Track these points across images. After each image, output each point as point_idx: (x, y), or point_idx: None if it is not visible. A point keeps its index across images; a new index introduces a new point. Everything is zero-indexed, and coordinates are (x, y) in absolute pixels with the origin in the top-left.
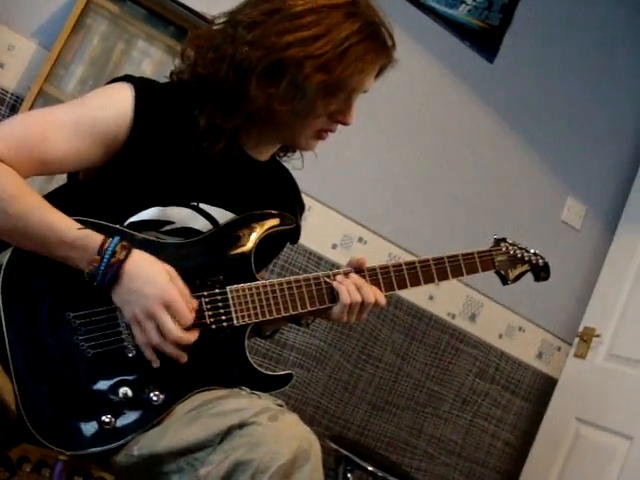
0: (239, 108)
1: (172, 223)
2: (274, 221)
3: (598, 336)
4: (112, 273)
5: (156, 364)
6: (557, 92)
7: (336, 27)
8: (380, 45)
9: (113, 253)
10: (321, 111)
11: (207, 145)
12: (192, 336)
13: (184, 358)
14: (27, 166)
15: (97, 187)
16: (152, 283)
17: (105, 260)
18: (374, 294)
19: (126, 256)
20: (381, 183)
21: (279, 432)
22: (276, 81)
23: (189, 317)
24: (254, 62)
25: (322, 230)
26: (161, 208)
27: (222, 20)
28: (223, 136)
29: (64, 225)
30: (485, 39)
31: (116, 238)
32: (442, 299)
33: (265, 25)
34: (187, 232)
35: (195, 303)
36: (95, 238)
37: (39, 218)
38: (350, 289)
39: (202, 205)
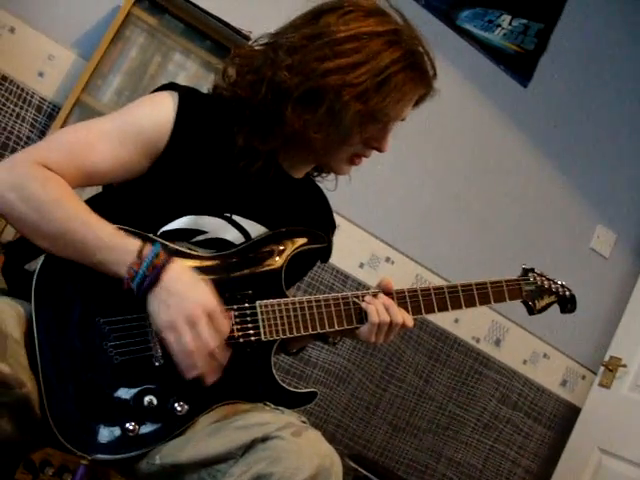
0: (275, 132)
1: (204, 233)
2: (307, 239)
3: (624, 366)
4: (153, 275)
5: (189, 375)
6: (589, 119)
7: (376, 55)
8: (420, 75)
9: (156, 255)
10: (356, 139)
11: (244, 165)
12: (226, 354)
13: (212, 378)
14: (74, 175)
15: (131, 195)
16: (196, 290)
17: (147, 262)
18: (402, 315)
19: (168, 260)
20: (410, 204)
21: (301, 448)
22: (313, 108)
23: (228, 330)
24: (292, 87)
25: (350, 249)
26: (194, 217)
27: (264, 41)
28: (260, 157)
29: (104, 228)
30: (520, 63)
31: (157, 244)
32: (467, 322)
33: (305, 50)
34: (219, 243)
35: (231, 313)
36: (135, 242)
37: (81, 221)
38: (379, 309)
39: (235, 217)
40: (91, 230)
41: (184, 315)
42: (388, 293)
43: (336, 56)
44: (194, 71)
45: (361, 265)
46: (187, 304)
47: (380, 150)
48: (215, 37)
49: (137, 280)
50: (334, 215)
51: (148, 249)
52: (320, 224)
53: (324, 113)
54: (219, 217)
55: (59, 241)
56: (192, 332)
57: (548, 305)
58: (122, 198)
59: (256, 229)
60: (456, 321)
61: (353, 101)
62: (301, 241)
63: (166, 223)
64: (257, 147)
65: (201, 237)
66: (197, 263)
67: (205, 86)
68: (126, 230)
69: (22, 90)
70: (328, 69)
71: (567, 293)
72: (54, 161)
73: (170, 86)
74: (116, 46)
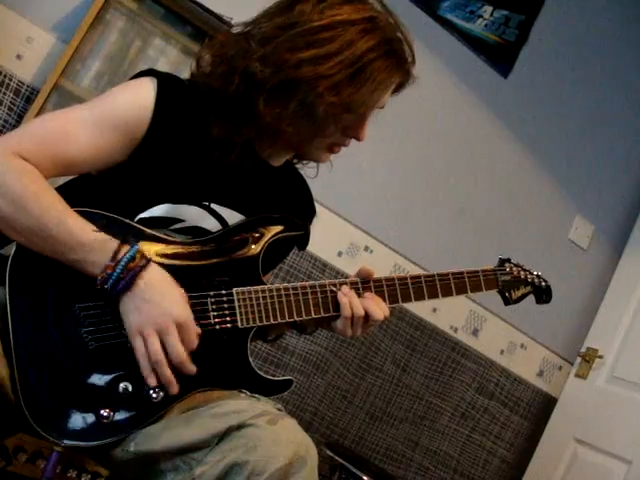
0: (249, 123)
1: (182, 221)
2: (284, 226)
3: (600, 357)
4: (129, 278)
5: (153, 382)
6: (570, 110)
7: (350, 45)
8: (396, 62)
9: (132, 258)
10: (331, 130)
11: (220, 155)
12: (192, 367)
13: (176, 389)
14: (50, 165)
15: (108, 182)
16: (169, 299)
17: (122, 265)
18: (382, 311)
19: (145, 265)
20: (390, 193)
21: (277, 436)
22: (285, 100)
23: (195, 344)
24: (264, 79)
25: (328, 237)
26: (172, 205)
27: (238, 30)
28: (235, 147)
29: (81, 228)
30: (500, 54)
31: (136, 246)
32: (445, 312)
33: (278, 40)
34: (196, 231)
35: (199, 331)
36: (112, 243)
37: (57, 219)
38: (353, 302)
39: (213, 205)
40: (67, 229)
41: (154, 323)
42: (365, 281)
43: (309, 46)
44: (174, 56)
45: (339, 253)
46: (159, 313)
47: (358, 139)
48: (196, 23)
49: (110, 282)
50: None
51: (124, 251)
52: (299, 211)
53: (296, 106)
54: (197, 205)
55: (33, 237)
56: (158, 340)
57: (524, 295)
58: (99, 184)
59: (234, 217)
60: (434, 310)
61: (326, 93)
62: (278, 228)
63: (143, 210)
64: (232, 138)
65: (178, 225)
66: (174, 249)
67: (185, 72)
68: (101, 215)
69: None
70: (301, 60)
71: (543, 284)
72: (30, 151)
73: (149, 72)
74: (96, 30)
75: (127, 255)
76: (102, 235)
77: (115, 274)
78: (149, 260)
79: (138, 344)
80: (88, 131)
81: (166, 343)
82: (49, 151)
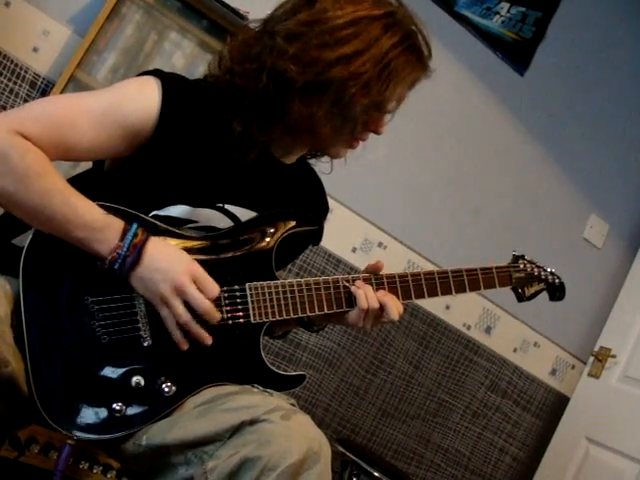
0: (276, 121)
1: (195, 222)
2: (297, 221)
3: (614, 357)
4: (135, 255)
5: (185, 346)
6: (586, 108)
7: (376, 41)
8: (417, 57)
9: (135, 234)
10: (361, 127)
11: (239, 155)
12: (218, 312)
13: (209, 340)
14: (53, 149)
15: (121, 178)
16: (176, 260)
17: (127, 243)
18: (397, 310)
19: (147, 237)
20: (405, 190)
21: (290, 431)
22: (318, 99)
23: (216, 287)
24: (295, 77)
25: (343, 233)
26: (192, 208)
27: (258, 27)
28: (256, 147)
29: (87, 207)
30: (517, 51)
31: (135, 223)
32: (458, 309)
33: (305, 38)
34: (209, 230)
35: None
36: (117, 222)
37: (62, 198)
38: (368, 295)
39: (227, 206)
40: (72, 208)
41: (171, 287)
42: (379, 277)
43: (336, 43)
44: (190, 50)
45: (354, 249)
46: (171, 275)
47: (377, 133)
48: (212, 16)
49: (120, 260)
50: (328, 199)
51: (129, 228)
52: (313, 208)
53: (330, 106)
54: (212, 208)
55: (38, 215)
56: (181, 301)
57: (537, 292)
58: (112, 180)
59: (248, 216)
60: (447, 308)
61: (359, 93)
62: (292, 223)
63: (157, 208)
64: (254, 137)
65: (191, 225)
66: (187, 244)
67: (201, 65)
68: (114, 208)
69: (16, 65)
70: (331, 59)
71: (556, 281)
72: (33, 132)
73: (155, 72)
74: (112, 23)
75: (130, 233)
76: (106, 214)
77: (122, 252)
78: (148, 234)
79: (165, 313)
80: (92, 122)
81: (187, 298)
82: (52, 135)
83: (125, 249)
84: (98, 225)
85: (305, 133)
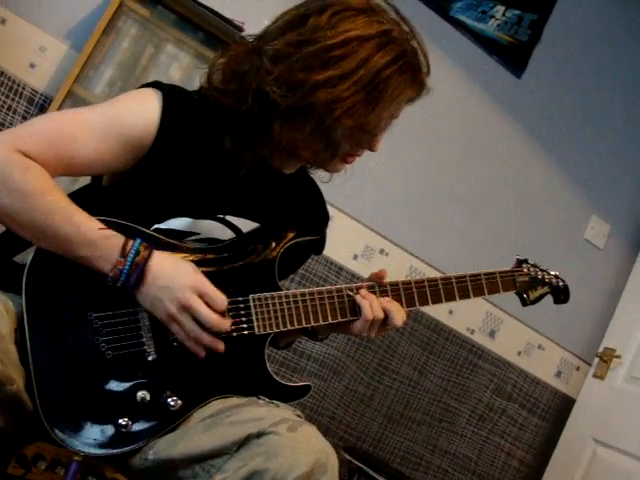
0: (262, 141)
1: (197, 234)
2: (299, 231)
3: (618, 357)
4: (138, 273)
5: (203, 354)
6: (584, 110)
7: (366, 62)
8: (411, 76)
9: (137, 252)
10: (346, 148)
11: (231, 169)
12: (227, 322)
13: (222, 345)
14: (54, 165)
15: (121, 192)
16: (180, 275)
17: (130, 260)
18: (401, 317)
19: (149, 254)
20: (404, 195)
21: (297, 443)
22: (301, 123)
23: (223, 299)
24: (278, 99)
25: (344, 240)
26: (193, 220)
27: (250, 42)
28: (245, 162)
29: (88, 224)
30: (513, 54)
31: (138, 239)
32: (462, 314)
33: (291, 59)
34: (211, 242)
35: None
36: (118, 239)
37: (65, 215)
38: (373, 305)
39: (228, 217)
40: (74, 225)
41: (177, 304)
42: (382, 285)
43: (323, 66)
44: (187, 62)
45: (355, 257)
46: (176, 293)
47: (372, 150)
48: (208, 28)
49: (122, 279)
50: (328, 207)
51: (130, 245)
52: (314, 217)
53: (313, 130)
54: (213, 219)
55: (40, 233)
56: (189, 316)
57: (541, 296)
58: (112, 194)
59: (249, 227)
60: (450, 312)
61: (343, 117)
62: (293, 233)
63: (158, 221)
64: (243, 154)
65: (192, 238)
66: (189, 256)
67: (198, 78)
68: (116, 223)
69: (13, 82)
70: (316, 83)
71: (560, 284)
72: (34, 149)
73: (155, 85)
74: (108, 37)
75: (133, 249)
76: (108, 231)
77: (125, 270)
78: (152, 250)
79: (175, 329)
80: (93, 136)
81: (194, 315)
82: (53, 151)
83: (127, 266)
84: (99, 242)
85: (289, 154)
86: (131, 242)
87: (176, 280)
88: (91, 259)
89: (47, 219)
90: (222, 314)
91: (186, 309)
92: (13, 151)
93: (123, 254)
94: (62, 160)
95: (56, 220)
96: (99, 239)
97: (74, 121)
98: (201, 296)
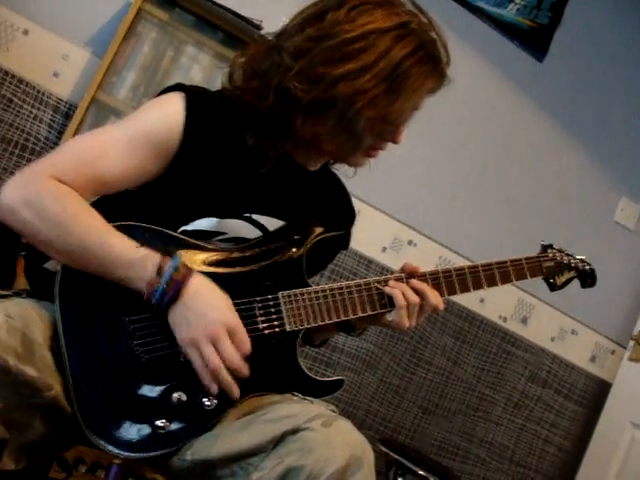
0: (285, 137)
1: (224, 234)
2: (326, 227)
3: None
4: (174, 290)
5: (214, 390)
6: (609, 90)
7: (385, 54)
8: (432, 67)
9: (175, 270)
10: (369, 141)
11: (255, 166)
12: (246, 369)
13: (236, 392)
14: (87, 186)
15: (147, 196)
16: (217, 307)
17: (166, 278)
18: (436, 298)
19: (188, 275)
20: (431, 185)
21: (332, 438)
22: (323, 117)
23: (249, 346)
24: (300, 94)
25: (372, 233)
26: (215, 219)
27: (269, 40)
28: (268, 160)
29: (123, 246)
30: (534, 38)
31: (177, 257)
32: (493, 302)
33: (311, 54)
34: (238, 241)
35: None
36: (153, 256)
37: (99, 239)
38: (406, 292)
39: (254, 216)
40: (109, 248)
41: (205, 333)
42: (410, 276)
43: (343, 59)
44: (207, 63)
45: (384, 249)
46: (208, 322)
47: (395, 142)
48: (226, 28)
49: (157, 297)
50: (354, 201)
51: (167, 264)
52: (338, 213)
53: (335, 122)
54: (238, 218)
55: (77, 258)
56: (212, 348)
57: (568, 281)
58: (138, 198)
59: (275, 225)
60: (481, 301)
61: (365, 108)
62: (320, 230)
63: (184, 223)
64: (266, 151)
65: (220, 237)
66: (217, 257)
67: (219, 78)
68: (144, 227)
69: (38, 91)
70: (337, 76)
71: (587, 267)
72: (66, 173)
73: (177, 87)
74: (129, 42)
75: (170, 268)
76: (144, 250)
77: (160, 288)
78: (191, 270)
79: (194, 355)
80: (122, 151)
81: (219, 350)
82: (85, 172)
83: (164, 284)
84: (135, 263)
85: (313, 147)
86: (167, 261)
87: (212, 310)
88: (128, 280)
89: (82, 243)
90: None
91: (213, 341)
92: (45, 179)
93: (159, 272)
94: (94, 180)
95: (91, 244)
96: (135, 260)
97: (101, 140)
98: (230, 334)
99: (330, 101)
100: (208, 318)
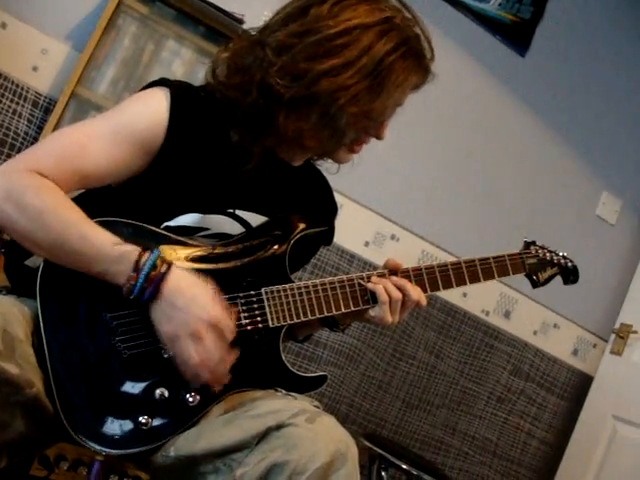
0: (268, 133)
1: (207, 229)
2: (308, 223)
3: (635, 332)
4: (153, 287)
5: (196, 385)
6: (591, 85)
7: (368, 50)
8: (415, 62)
9: (153, 266)
10: (352, 136)
11: (239, 163)
12: (233, 358)
13: (219, 386)
14: (68, 180)
15: (130, 191)
16: (198, 302)
17: (144, 274)
18: (418, 293)
19: (167, 270)
20: (413, 180)
21: (316, 434)
22: (305, 113)
23: (233, 334)
24: (282, 90)
25: (354, 228)
26: (197, 215)
27: (252, 35)
28: (252, 156)
29: (102, 239)
30: (516, 33)
31: (156, 251)
32: (476, 296)
33: (294, 50)
34: (221, 237)
35: (235, 308)
36: (131, 252)
37: (78, 232)
38: (388, 287)
39: (237, 212)
40: (88, 242)
41: (187, 330)
42: (393, 273)
43: (326, 55)
44: (188, 57)
45: (366, 244)
46: (189, 318)
47: (379, 138)
48: (208, 22)
49: (135, 292)
50: (336, 195)
51: (145, 259)
52: (322, 209)
53: (318, 119)
54: (221, 214)
55: (57, 252)
56: (193, 344)
57: (551, 277)
58: (120, 194)
59: (258, 220)
60: (464, 295)
61: (348, 104)
62: (303, 225)
63: (167, 219)
64: (249, 147)
65: (203, 233)
66: (200, 253)
67: (200, 72)
68: (127, 223)
69: (17, 86)
70: (319, 72)
71: (569, 264)
72: (47, 167)
73: (161, 82)
74: (109, 36)
75: (148, 263)
76: (124, 246)
77: (139, 284)
78: (170, 264)
79: (175, 350)
80: (104, 145)
81: (201, 347)
82: (66, 166)
83: (142, 280)
84: (114, 258)
85: (295, 143)
86: (146, 256)
87: (193, 306)
88: (106, 274)
89: (61, 236)
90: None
91: (194, 337)
92: (26, 171)
93: (136, 268)
94: (76, 174)
95: (70, 237)
96: (114, 255)
97: (83, 133)
98: (214, 328)
99: (313, 97)
100: (189, 315)
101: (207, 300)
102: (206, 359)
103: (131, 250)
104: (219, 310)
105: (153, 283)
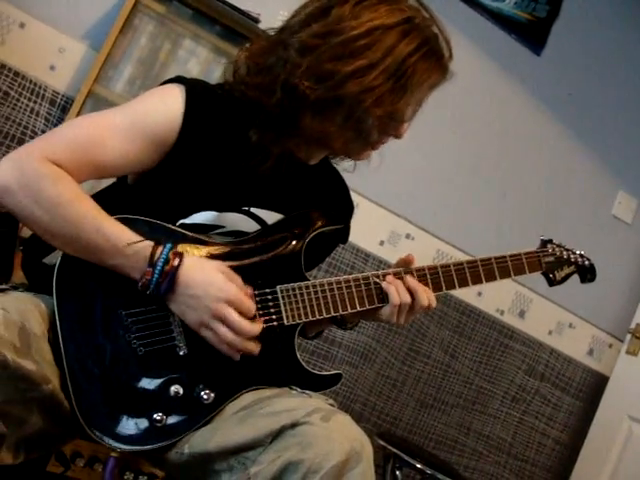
0: (291, 133)
1: (222, 227)
2: (324, 221)
3: None
4: (168, 281)
5: (237, 357)
6: (607, 84)
7: (391, 51)
8: (435, 62)
9: (167, 261)
10: (376, 137)
11: (256, 162)
12: (259, 326)
13: (257, 349)
14: (82, 170)
15: (146, 190)
16: (211, 285)
17: (158, 269)
18: (428, 297)
19: (179, 263)
20: (428, 179)
21: (331, 433)
22: (331, 114)
23: (253, 307)
24: (308, 91)
25: (369, 227)
26: (218, 213)
27: (271, 37)
28: (271, 156)
29: (118, 233)
30: (532, 31)
31: (168, 245)
32: (491, 295)
33: (318, 50)
34: (237, 235)
35: (250, 289)
36: (145, 247)
37: (94, 225)
38: (400, 290)
39: (253, 209)
40: (103, 235)
41: (210, 314)
42: (408, 271)
43: (350, 57)
44: (204, 56)
45: (381, 243)
46: (208, 303)
47: (398, 137)
48: (224, 21)
49: (152, 287)
50: (352, 194)
51: (158, 253)
52: (338, 207)
53: (343, 121)
54: (237, 212)
55: (71, 243)
56: (222, 324)
57: (568, 276)
58: (137, 191)
59: (274, 218)
60: (479, 294)
61: (372, 106)
62: (318, 223)
63: (183, 216)
64: (269, 147)
65: (218, 231)
66: (216, 250)
67: (216, 71)
68: (142, 221)
69: (35, 85)
70: (346, 74)
71: (586, 262)
72: (63, 157)
73: (178, 79)
74: (125, 35)
75: (161, 258)
76: (137, 240)
77: (154, 279)
78: (182, 256)
79: (208, 335)
80: (119, 137)
81: (228, 325)
82: (81, 157)
83: (157, 275)
84: (128, 252)
85: (319, 145)
86: (159, 250)
87: (209, 290)
88: (121, 268)
89: (77, 228)
90: (252, 318)
91: (218, 318)
92: (42, 161)
93: (151, 263)
94: (90, 165)
95: (86, 229)
96: (128, 247)
97: (99, 125)
98: (233, 305)
99: (338, 99)
100: (208, 299)
101: (221, 283)
102: (237, 332)
103: (145, 245)
104: (233, 287)
105: (168, 277)
